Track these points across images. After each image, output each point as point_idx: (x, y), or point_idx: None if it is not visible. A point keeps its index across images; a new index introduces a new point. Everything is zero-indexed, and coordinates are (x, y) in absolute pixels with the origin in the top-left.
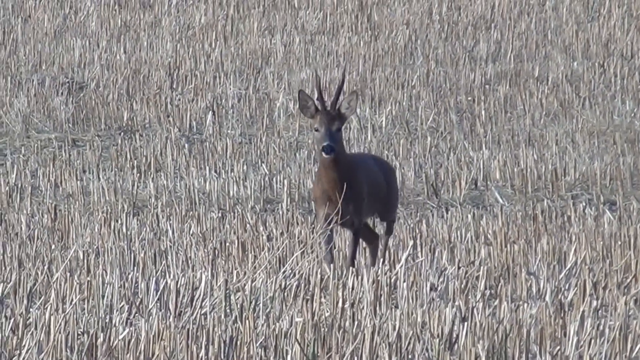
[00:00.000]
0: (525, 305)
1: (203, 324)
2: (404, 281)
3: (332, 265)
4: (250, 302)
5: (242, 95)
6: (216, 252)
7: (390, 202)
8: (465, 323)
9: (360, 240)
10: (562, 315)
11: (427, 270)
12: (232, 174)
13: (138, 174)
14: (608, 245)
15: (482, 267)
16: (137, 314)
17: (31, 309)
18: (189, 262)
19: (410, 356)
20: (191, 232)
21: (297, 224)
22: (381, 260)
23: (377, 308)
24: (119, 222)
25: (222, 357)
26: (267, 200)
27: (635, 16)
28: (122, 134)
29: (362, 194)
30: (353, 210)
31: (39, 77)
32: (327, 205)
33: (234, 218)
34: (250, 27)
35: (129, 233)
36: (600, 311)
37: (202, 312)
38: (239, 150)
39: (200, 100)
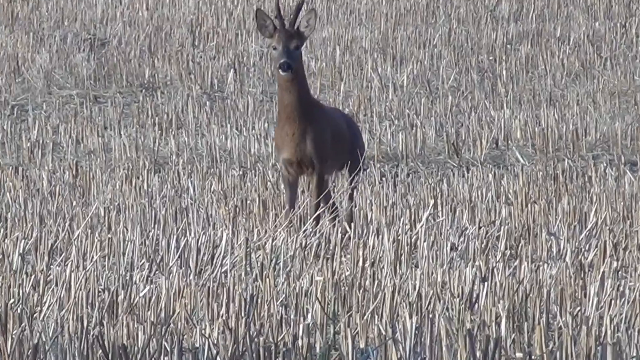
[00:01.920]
0: (546, 265)
1: (223, 282)
2: (425, 241)
3: (292, 210)
4: (271, 261)
5: (264, 53)
6: (237, 210)
7: (355, 155)
8: (486, 283)
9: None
10: (582, 276)
11: (447, 230)
12: (254, 131)
13: (159, 131)
14: (629, 205)
15: (502, 227)
16: (157, 272)
17: (52, 266)
18: (210, 220)
19: (430, 315)
20: (212, 189)
21: None
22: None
23: (398, 267)
24: (140, 179)
25: (243, 314)
26: None
27: None
28: (143, 91)
29: (324, 133)
30: (314, 149)
31: (61, 33)
32: (287, 146)
33: (255, 176)
34: None
35: (150, 190)
36: (620, 272)
37: (223, 270)
38: (260, 108)
39: (222, 58)
